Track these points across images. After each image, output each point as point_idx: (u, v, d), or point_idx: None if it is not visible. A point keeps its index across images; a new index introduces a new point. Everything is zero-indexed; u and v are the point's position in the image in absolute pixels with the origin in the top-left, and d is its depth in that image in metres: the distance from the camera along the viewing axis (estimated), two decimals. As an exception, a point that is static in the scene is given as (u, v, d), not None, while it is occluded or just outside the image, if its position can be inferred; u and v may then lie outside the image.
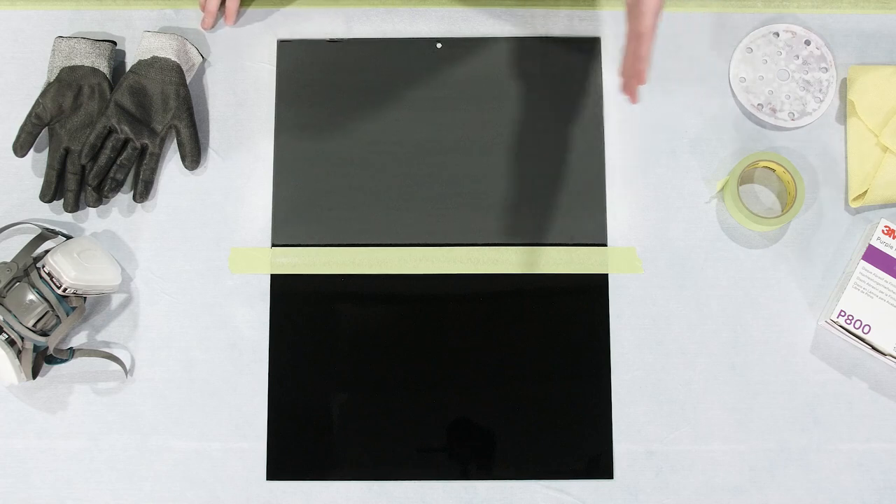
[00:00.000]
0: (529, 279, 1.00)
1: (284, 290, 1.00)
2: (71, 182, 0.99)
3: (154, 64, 1.00)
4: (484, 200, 1.01)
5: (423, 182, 1.02)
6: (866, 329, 0.95)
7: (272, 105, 1.03)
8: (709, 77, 1.03)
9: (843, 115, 1.03)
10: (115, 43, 1.02)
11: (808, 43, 1.04)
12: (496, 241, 1.01)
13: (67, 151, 0.99)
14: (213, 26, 1.04)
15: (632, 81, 0.87)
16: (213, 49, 1.04)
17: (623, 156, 1.02)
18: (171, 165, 1.02)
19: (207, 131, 1.03)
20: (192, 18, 1.05)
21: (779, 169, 1.00)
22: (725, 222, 1.01)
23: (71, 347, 0.97)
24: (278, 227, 1.01)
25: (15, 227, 0.99)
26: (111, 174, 0.99)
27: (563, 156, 1.02)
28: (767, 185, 1.02)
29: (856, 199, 1.00)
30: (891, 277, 0.96)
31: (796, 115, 1.02)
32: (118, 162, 0.99)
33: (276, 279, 1.00)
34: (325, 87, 1.03)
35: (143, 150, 1.00)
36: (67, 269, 0.92)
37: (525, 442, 0.97)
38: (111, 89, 1.00)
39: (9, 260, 0.95)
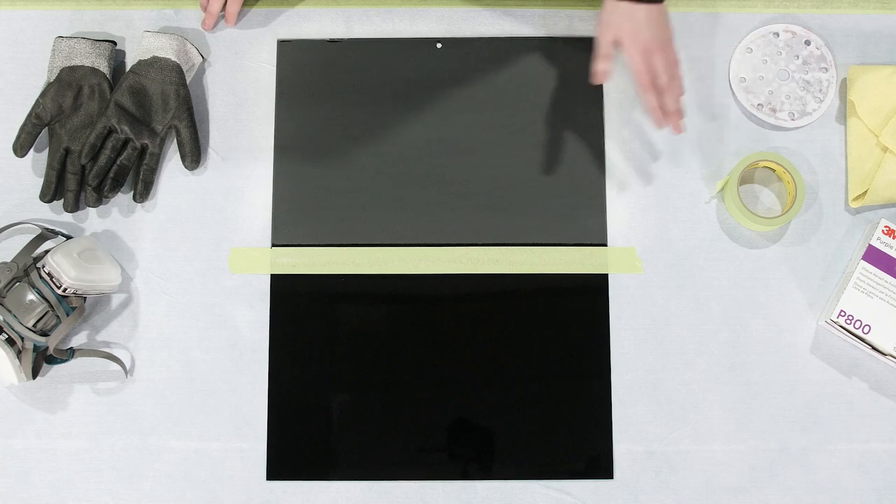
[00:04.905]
0: (529, 279, 1.00)
1: (284, 290, 1.00)
2: (71, 182, 0.99)
3: (154, 64, 1.00)
4: (484, 200, 1.01)
5: (423, 182, 1.02)
6: (866, 329, 0.95)
7: (272, 105, 1.03)
8: (709, 77, 1.03)
9: (843, 115, 1.03)
10: (115, 43, 1.02)
11: (808, 43, 1.04)
12: (496, 241, 1.01)
13: (67, 151, 0.99)
14: (213, 27, 1.04)
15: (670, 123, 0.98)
16: (213, 49, 1.04)
17: (623, 156, 1.02)
18: (171, 165, 1.02)
19: (207, 131, 1.03)
20: (192, 18, 1.05)
21: (779, 169, 1.00)
22: (725, 222, 1.01)
23: (71, 347, 0.97)
24: (278, 227, 1.01)
25: (15, 227, 0.99)
26: (111, 174, 0.99)
27: (563, 156, 1.02)
28: (767, 185, 1.02)
29: (856, 199, 1.00)
30: (891, 277, 0.96)
31: (796, 115, 1.02)
32: (118, 162, 0.99)
33: (276, 279, 1.00)
34: (325, 87, 1.03)
35: (143, 150, 1.00)
36: (67, 269, 0.92)
37: (525, 442, 0.97)
38: (111, 89, 1.00)
39: (9, 260, 0.95)
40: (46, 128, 1.00)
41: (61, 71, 0.99)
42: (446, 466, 0.97)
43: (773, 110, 1.02)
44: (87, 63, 1.00)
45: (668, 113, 0.96)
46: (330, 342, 0.99)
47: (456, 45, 1.04)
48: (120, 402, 0.98)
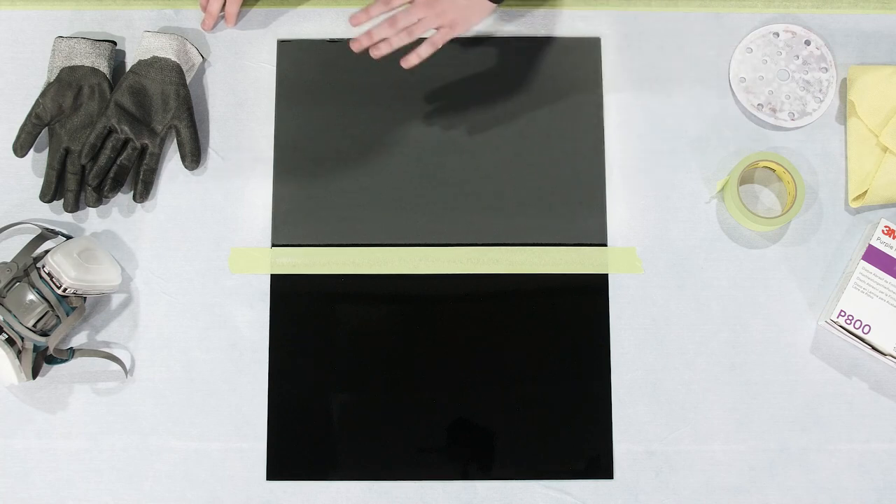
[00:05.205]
0: (529, 279, 1.00)
1: (284, 290, 1.00)
2: (71, 182, 0.99)
3: (154, 64, 1.00)
4: (484, 200, 1.01)
5: (422, 182, 1.02)
6: (866, 329, 0.95)
7: (272, 105, 1.03)
8: (709, 77, 1.03)
9: (843, 115, 1.03)
10: (115, 43, 1.02)
11: (808, 43, 1.04)
12: (496, 241, 1.01)
13: (67, 151, 0.99)
14: (213, 28, 1.04)
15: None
16: (213, 49, 1.04)
17: (623, 156, 1.02)
18: (171, 165, 1.02)
19: (207, 131, 1.03)
20: (192, 18, 1.05)
21: (779, 169, 1.00)
22: (725, 222, 1.01)
23: (71, 347, 0.97)
24: (278, 227, 1.01)
25: (15, 227, 0.99)
26: (111, 174, 0.99)
27: (563, 156, 1.02)
28: (767, 185, 1.02)
29: (856, 199, 1.00)
30: (891, 277, 0.96)
31: (796, 115, 1.02)
32: (118, 162, 0.99)
33: (276, 279, 1.00)
34: (325, 87, 1.03)
35: (143, 150, 1.00)
36: (67, 269, 0.92)
37: (525, 442, 0.97)
38: (111, 89, 1.00)
39: (9, 260, 0.95)
40: (46, 128, 1.00)
41: (61, 71, 0.99)
42: (446, 466, 0.97)
43: (773, 110, 1.02)
44: (87, 63, 1.00)
45: (370, 33, 0.95)
46: (330, 342, 0.99)
47: (456, 46, 1.04)
48: (120, 402, 0.98)
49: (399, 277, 1.00)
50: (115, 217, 1.01)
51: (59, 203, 1.00)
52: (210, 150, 1.02)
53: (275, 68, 1.04)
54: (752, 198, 1.02)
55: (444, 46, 1.04)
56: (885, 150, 1.00)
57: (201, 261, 1.00)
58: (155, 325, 0.99)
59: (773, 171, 1.01)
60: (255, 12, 1.05)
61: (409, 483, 0.97)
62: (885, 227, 0.97)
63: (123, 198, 1.01)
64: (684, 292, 1.00)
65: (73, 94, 0.99)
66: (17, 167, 1.02)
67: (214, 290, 1.00)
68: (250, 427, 0.98)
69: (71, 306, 0.94)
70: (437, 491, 0.97)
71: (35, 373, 0.95)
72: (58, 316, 0.93)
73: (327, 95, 1.03)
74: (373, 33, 0.95)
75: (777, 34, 1.04)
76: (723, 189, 1.01)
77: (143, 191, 1.00)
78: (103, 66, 1.00)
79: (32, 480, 0.97)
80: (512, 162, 1.02)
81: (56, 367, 0.98)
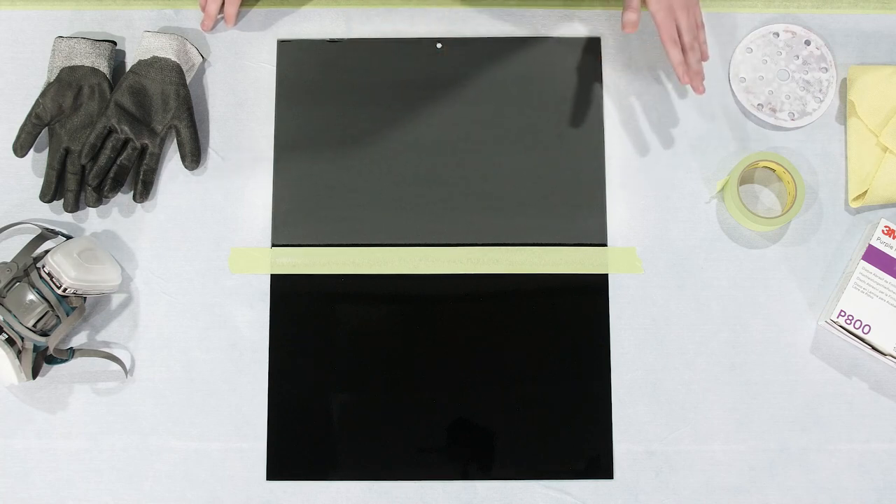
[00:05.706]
0: (529, 279, 1.00)
1: (284, 290, 1.00)
2: (71, 182, 0.99)
3: (154, 64, 1.00)
4: (484, 200, 1.01)
5: (422, 182, 1.02)
6: (866, 329, 0.95)
7: (272, 105, 1.03)
8: (709, 77, 1.03)
9: (843, 115, 1.03)
10: (115, 43, 1.02)
11: (808, 43, 1.04)
12: (496, 241, 1.01)
13: (67, 151, 0.99)
14: (212, 28, 1.04)
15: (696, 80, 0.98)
16: (213, 49, 1.04)
17: (623, 156, 1.02)
18: (171, 165, 1.02)
19: (207, 131, 1.03)
20: (192, 19, 1.05)
21: (779, 169, 1.00)
22: (725, 222, 1.01)
23: (71, 347, 0.97)
24: (278, 227, 1.01)
25: (15, 227, 0.99)
26: (111, 174, 0.99)
27: (563, 156, 1.02)
28: (767, 185, 1.02)
29: (856, 199, 1.01)
30: (891, 277, 0.96)
31: (796, 115, 1.02)
32: (118, 162, 0.99)
33: (276, 279, 1.00)
34: (325, 87, 1.03)
35: (143, 150, 1.00)
36: (67, 269, 0.92)
37: (525, 442, 0.97)
38: (111, 89, 1.00)
39: (9, 260, 0.95)
40: (46, 128, 1.00)
41: (61, 71, 0.99)
42: (446, 466, 0.97)
43: (773, 110, 1.02)
44: (87, 63, 1.00)
45: (691, 72, 0.97)
46: (330, 342, 0.99)
47: (456, 46, 1.04)
48: (120, 402, 0.98)
49: (399, 277, 1.00)
50: (115, 217, 1.01)
51: (59, 203, 1.00)
52: (210, 150, 1.03)
53: (275, 68, 1.04)
54: (752, 198, 1.02)
55: (444, 47, 1.04)
56: (885, 150, 1.00)
57: (201, 261, 1.00)
58: (155, 325, 0.99)
59: (773, 171, 1.01)
60: (255, 12, 1.05)
61: (409, 483, 0.97)
62: (885, 227, 0.97)
63: (123, 198, 1.01)
64: (684, 292, 1.00)
65: (73, 94, 0.99)
66: (17, 167, 1.02)
67: (214, 290, 1.00)
68: (250, 427, 0.98)
69: (71, 306, 0.94)
70: (437, 491, 0.97)
71: (35, 373, 0.95)
72: (58, 316, 0.93)
73: (327, 95, 1.03)
74: (690, 66, 0.97)
75: (777, 34, 1.04)
76: (723, 189, 1.01)
77: (143, 191, 1.00)
78: (103, 66, 1.00)
79: (32, 480, 0.97)
80: (512, 162, 1.02)
81: (56, 367, 0.98)
